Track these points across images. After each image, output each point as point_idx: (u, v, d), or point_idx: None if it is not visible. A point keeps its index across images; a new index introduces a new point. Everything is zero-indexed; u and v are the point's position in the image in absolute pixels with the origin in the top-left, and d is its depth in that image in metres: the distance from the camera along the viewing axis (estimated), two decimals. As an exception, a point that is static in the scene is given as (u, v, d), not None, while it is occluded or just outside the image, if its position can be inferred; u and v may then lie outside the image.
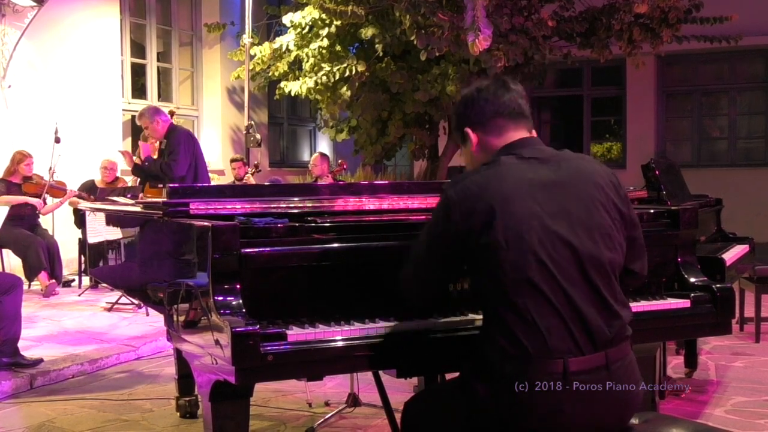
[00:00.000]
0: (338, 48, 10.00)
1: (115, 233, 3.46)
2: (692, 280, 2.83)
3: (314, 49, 9.86)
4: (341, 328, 2.22)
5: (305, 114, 14.20)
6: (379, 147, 10.94)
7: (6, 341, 4.75)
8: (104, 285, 6.05)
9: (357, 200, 2.87)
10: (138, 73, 11.10)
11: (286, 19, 10.08)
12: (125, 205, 3.85)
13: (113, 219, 3.50)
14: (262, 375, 2.13)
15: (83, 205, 4.57)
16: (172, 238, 2.61)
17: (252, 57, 10.23)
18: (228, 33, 11.72)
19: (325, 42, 9.80)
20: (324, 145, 14.04)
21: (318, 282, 2.33)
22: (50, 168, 7.97)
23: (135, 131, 10.55)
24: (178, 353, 3.87)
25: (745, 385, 4.68)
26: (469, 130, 2.20)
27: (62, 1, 9.32)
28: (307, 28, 9.99)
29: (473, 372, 2.05)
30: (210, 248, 2.19)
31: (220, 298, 2.17)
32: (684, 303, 2.72)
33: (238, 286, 2.20)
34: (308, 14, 9.75)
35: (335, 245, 2.39)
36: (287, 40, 10.15)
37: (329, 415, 3.96)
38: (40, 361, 4.96)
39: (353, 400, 3.97)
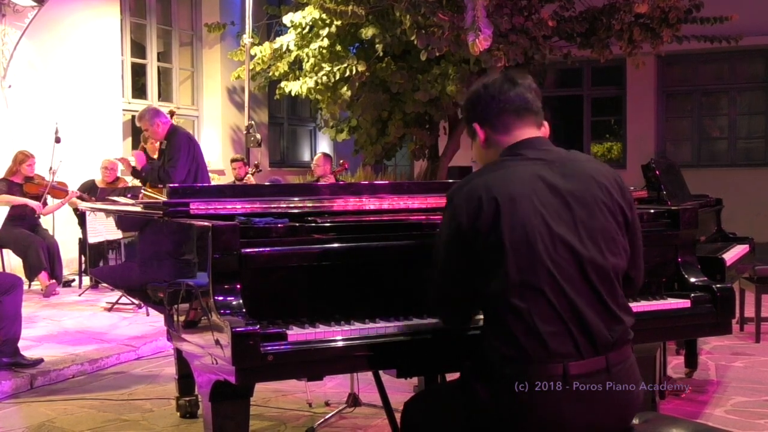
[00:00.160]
0: (338, 48, 10.00)
1: (115, 233, 3.46)
2: (692, 280, 2.83)
3: (314, 49, 9.86)
4: (341, 328, 2.22)
5: (305, 114, 14.20)
6: (379, 147, 10.94)
7: (6, 341, 4.75)
8: (104, 285, 6.06)
9: (357, 200, 2.87)
10: (138, 73, 11.10)
11: (286, 19, 10.08)
12: (125, 205, 3.85)
13: (113, 219, 3.50)
14: (262, 375, 2.13)
15: (83, 205, 4.57)
16: (172, 238, 2.61)
17: (252, 57, 10.23)
18: (228, 33, 11.72)
19: (326, 42, 9.80)
20: (324, 145, 14.04)
21: (318, 282, 2.33)
22: (51, 168, 7.97)
23: (135, 131, 10.55)
24: (178, 353, 3.88)
25: (745, 385, 4.68)
26: (477, 126, 2.19)
27: (62, 1, 9.32)
28: (308, 28, 10.00)
29: (473, 372, 2.05)
30: (210, 248, 2.19)
31: (220, 298, 2.17)
32: (684, 303, 2.72)
33: (238, 286, 2.20)
34: (308, 14, 9.75)
35: (335, 245, 2.39)
36: (287, 40, 10.15)
37: (329, 415, 3.96)
38: (40, 361, 4.96)
39: (353, 400, 3.97)
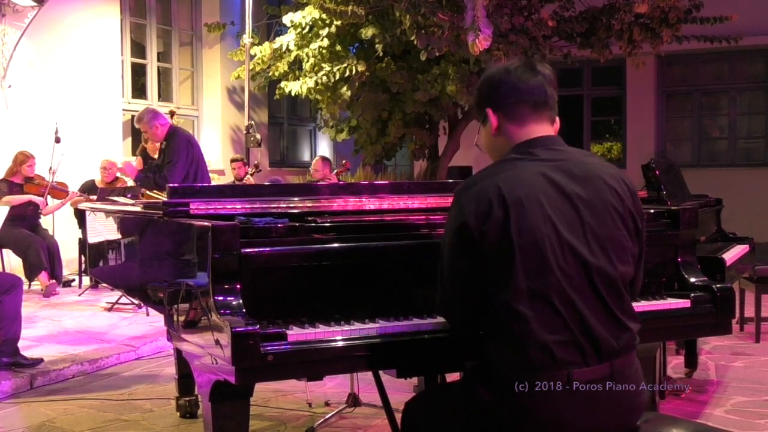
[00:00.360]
0: (338, 48, 10.00)
1: (115, 233, 3.46)
2: (692, 280, 2.82)
3: (314, 49, 9.86)
4: (341, 328, 2.22)
5: (305, 114, 14.20)
6: (379, 147, 10.94)
7: (6, 341, 4.75)
8: (104, 285, 6.05)
9: (357, 200, 2.87)
10: (138, 73, 11.10)
11: (286, 19, 10.09)
12: (125, 205, 3.85)
13: (113, 219, 3.50)
14: (262, 375, 2.13)
15: (83, 205, 4.57)
16: (172, 238, 2.61)
17: (252, 57, 10.23)
18: (228, 33, 11.72)
19: (325, 42, 9.81)
20: (324, 145, 14.05)
21: (318, 282, 2.33)
22: (51, 168, 7.98)
23: (135, 131, 10.54)
24: (178, 353, 3.88)
25: (745, 385, 4.68)
26: (490, 111, 2.12)
27: (62, 1, 9.33)
28: (307, 28, 10.00)
29: (475, 374, 2.04)
30: (210, 248, 2.19)
31: (220, 298, 2.17)
32: (684, 303, 2.71)
33: (238, 286, 2.20)
34: (308, 14, 9.75)
35: (335, 245, 2.39)
36: (287, 40, 10.16)
37: (329, 415, 3.96)
38: (40, 361, 4.97)
39: (353, 400, 3.97)
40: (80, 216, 8.01)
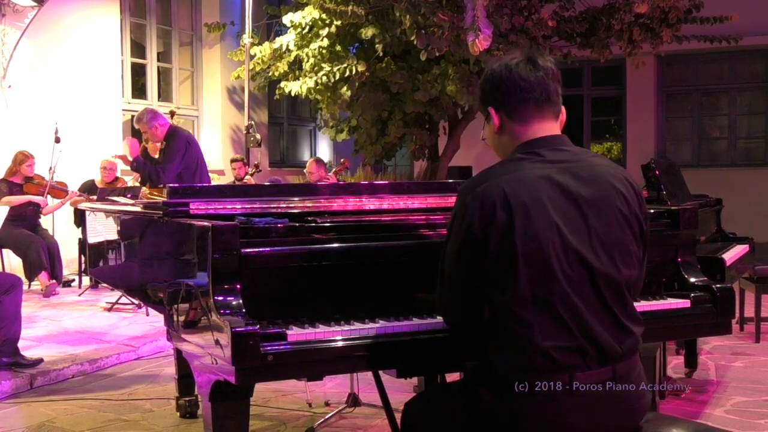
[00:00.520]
0: (338, 48, 10.00)
1: (115, 233, 3.46)
2: (692, 280, 2.82)
3: (314, 49, 9.86)
4: (341, 328, 2.22)
5: (305, 114, 14.20)
6: (379, 147, 10.94)
7: (6, 341, 4.75)
8: (104, 285, 6.06)
9: (357, 200, 2.87)
10: (138, 73, 11.10)
11: (286, 19, 10.09)
12: (125, 205, 3.85)
13: (113, 219, 3.50)
14: (262, 375, 2.12)
15: (83, 205, 4.57)
16: (172, 238, 2.61)
17: (252, 57, 10.24)
18: (228, 33, 11.72)
19: (325, 42, 9.81)
20: (324, 145, 14.05)
21: (318, 282, 2.33)
22: (50, 168, 7.98)
23: (135, 131, 10.54)
24: (178, 353, 3.88)
25: (745, 385, 4.68)
26: (492, 110, 2.09)
27: (62, 1, 9.33)
28: (307, 28, 10.00)
29: (475, 374, 2.03)
30: (210, 248, 2.19)
31: (220, 298, 2.17)
32: (684, 303, 2.71)
33: (238, 286, 2.20)
34: (308, 14, 9.75)
35: (335, 245, 2.38)
36: (287, 40, 10.16)
37: (329, 415, 3.96)
38: (40, 361, 4.97)
39: (353, 400, 3.97)
40: (80, 216, 8.03)
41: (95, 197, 7.90)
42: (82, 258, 8.18)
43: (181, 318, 2.44)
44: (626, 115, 12.94)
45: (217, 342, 2.12)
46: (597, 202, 1.96)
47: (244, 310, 2.16)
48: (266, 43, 10.41)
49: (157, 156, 6.80)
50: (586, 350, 1.89)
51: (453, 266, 2.02)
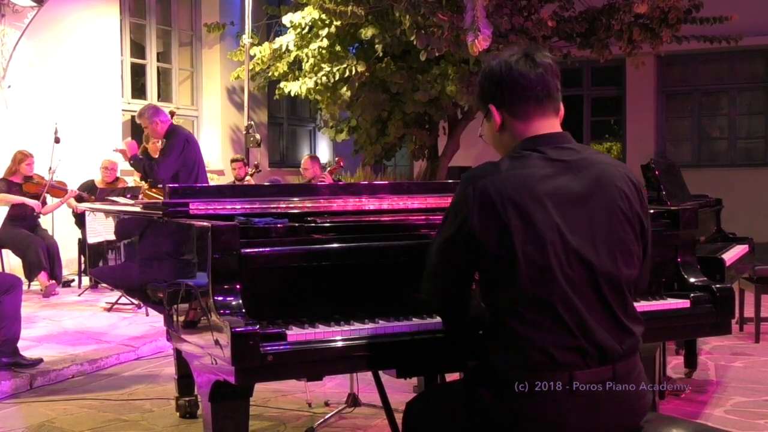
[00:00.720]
0: (338, 48, 10.00)
1: (115, 233, 3.46)
2: (692, 280, 2.82)
3: (314, 50, 9.86)
4: (341, 328, 2.22)
5: (305, 114, 14.20)
6: (379, 147, 10.94)
7: (6, 341, 4.75)
8: (104, 285, 6.06)
9: (357, 200, 2.87)
10: (138, 73, 11.10)
11: (286, 19, 10.09)
12: (125, 205, 3.85)
13: (113, 219, 3.50)
14: (262, 375, 2.13)
15: (83, 205, 4.57)
16: (172, 239, 2.61)
17: (252, 57, 10.23)
18: (228, 33, 11.72)
19: (325, 42, 9.81)
20: (324, 146, 14.05)
21: (318, 282, 2.33)
22: (50, 168, 7.98)
23: (135, 131, 10.55)
24: (178, 353, 3.87)
25: (745, 385, 4.68)
26: (493, 108, 2.07)
27: (62, 1, 9.33)
28: (307, 28, 10.00)
29: (476, 374, 2.03)
30: (210, 248, 2.19)
31: (220, 298, 2.17)
32: (684, 303, 2.71)
33: (237, 286, 2.20)
34: (308, 14, 9.75)
35: (335, 245, 2.38)
36: (287, 40, 10.16)
37: (329, 415, 3.96)
38: (40, 361, 4.96)
39: (353, 400, 3.97)
40: (79, 217, 8.03)
41: (94, 197, 7.92)
42: (82, 258, 8.18)
43: (181, 318, 2.44)
44: (626, 115, 12.95)
45: (216, 342, 2.12)
46: (598, 201, 1.96)
47: (243, 311, 2.16)
48: (266, 44, 10.41)
49: (157, 156, 6.80)
50: (586, 350, 1.89)
51: (443, 252, 2.02)
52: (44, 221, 8.39)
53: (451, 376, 2.79)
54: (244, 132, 9.61)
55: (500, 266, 1.91)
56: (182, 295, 2.40)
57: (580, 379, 1.89)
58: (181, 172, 6.42)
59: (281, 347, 2.11)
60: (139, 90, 11.12)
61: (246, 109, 10.08)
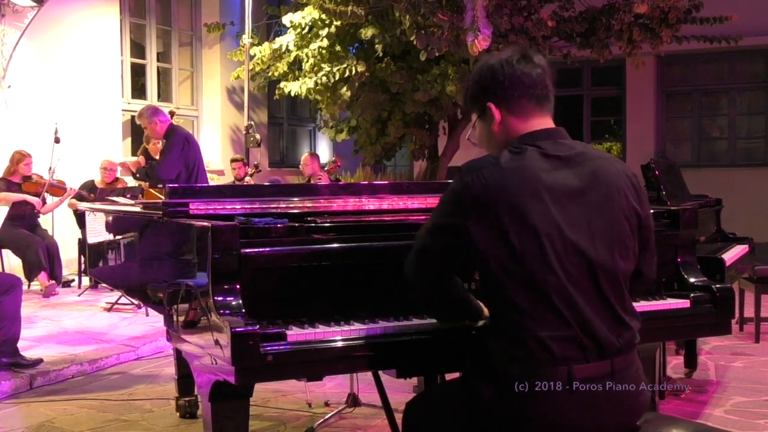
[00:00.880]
0: (338, 48, 10.00)
1: (114, 233, 3.46)
2: (692, 280, 2.82)
3: (314, 50, 9.86)
4: (341, 328, 2.22)
5: (305, 114, 14.20)
6: (379, 147, 10.94)
7: (6, 341, 4.75)
8: (104, 285, 6.06)
9: (357, 200, 2.87)
10: (138, 73, 11.10)
11: (286, 19, 10.09)
12: (125, 205, 3.85)
13: (113, 219, 3.50)
14: (262, 375, 2.12)
15: (83, 205, 4.57)
16: (172, 239, 2.61)
17: (252, 57, 10.23)
18: (228, 33, 11.72)
19: (325, 42, 9.81)
20: (324, 145, 14.05)
21: (318, 282, 2.33)
22: (50, 168, 7.99)
23: (135, 131, 10.56)
24: (178, 353, 3.87)
25: (745, 385, 4.68)
26: (492, 106, 2.06)
27: (62, 1, 9.33)
28: (307, 28, 10.00)
29: (476, 371, 2.04)
30: (210, 248, 2.19)
31: (220, 298, 2.17)
32: (684, 303, 2.71)
33: (237, 286, 2.20)
34: (308, 14, 9.75)
35: (335, 245, 2.38)
36: (287, 40, 10.16)
37: (329, 415, 3.96)
38: (40, 361, 4.96)
39: (353, 400, 3.97)
40: (80, 217, 8.03)
41: (94, 196, 7.93)
42: (82, 258, 8.18)
43: (181, 318, 2.44)
44: (626, 115, 12.94)
45: (216, 342, 2.12)
46: (595, 196, 1.97)
47: (243, 311, 2.16)
48: (266, 44, 10.41)
49: (157, 157, 6.81)
50: (584, 343, 1.90)
51: (433, 236, 2.03)
52: (44, 221, 8.39)
53: (452, 377, 2.79)
54: (244, 132, 9.61)
55: (498, 259, 1.92)
56: (182, 295, 2.40)
57: (578, 373, 1.89)
58: (182, 172, 6.43)
59: (281, 347, 2.11)
60: (139, 90, 11.12)
61: (246, 109, 10.08)
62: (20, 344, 4.93)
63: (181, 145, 6.45)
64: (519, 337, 1.91)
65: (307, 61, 9.95)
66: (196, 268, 2.31)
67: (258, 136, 9.61)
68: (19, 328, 4.87)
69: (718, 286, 2.76)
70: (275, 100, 12.05)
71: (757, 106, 12.54)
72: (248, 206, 2.67)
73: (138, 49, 11.12)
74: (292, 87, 10.05)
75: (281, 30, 11.15)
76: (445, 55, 9.24)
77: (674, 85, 12.89)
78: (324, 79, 9.75)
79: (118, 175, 8.77)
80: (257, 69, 10.58)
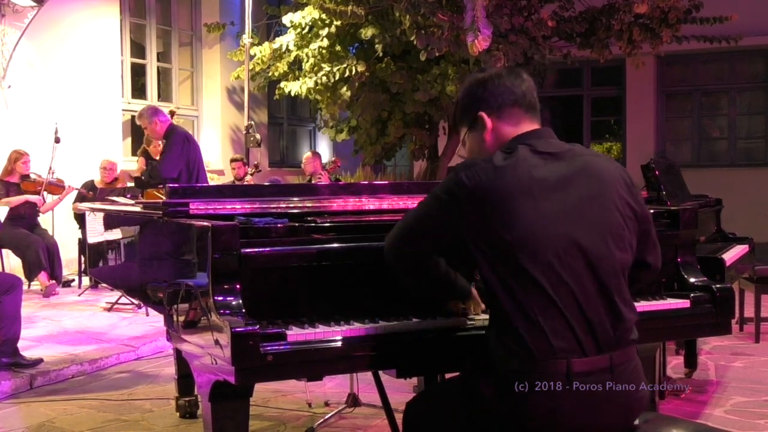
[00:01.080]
0: (338, 48, 10.00)
1: (115, 233, 3.46)
2: (692, 280, 2.82)
3: (314, 49, 9.86)
4: (341, 328, 2.22)
5: (305, 114, 14.20)
6: (379, 147, 10.94)
7: (6, 341, 4.75)
8: (104, 285, 6.06)
9: (357, 200, 2.87)
10: (138, 73, 11.10)
11: (286, 19, 10.09)
12: (125, 205, 3.85)
13: (113, 219, 3.50)
14: (262, 375, 2.13)
15: (83, 205, 4.58)
16: (172, 238, 2.61)
17: (252, 57, 10.23)
18: (228, 33, 11.72)
19: (325, 42, 9.81)
20: (324, 145, 14.05)
21: (318, 282, 2.33)
22: (50, 168, 7.99)
23: (135, 131, 10.56)
24: (178, 353, 3.87)
25: (745, 385, 4.68)
26: (484, 115, 2.13)
27: (62, 1, 9.33)
28: (307, 28, 10.00)
29: (476, 368, 2.05)
30: (210, 248, 2.19)
31: (220, 298, 2.17)
32: (684, 303, 2.71)
33: (237, 286, 2.20)
34: (308, 14, 9.75)
35: (335, 245, 2.39)
36: (287, 40, 10.16)
37: (329, 415, 3.96)
38: (40, 361, 4.96)
39: (353, 400, 3.97)
40: (80, 218, 8.03)
41: (93, 194, 7.93)
42: (82, 258, 8.18)
43: (181, 318, 2.44)
44: (626, 115, 12.94)
45: (216, 342, 2.12)
46: (587, 190, 2.01)
47: (243, 310, 2.16)
48: (266, 44, 10.41)
49: (157, 158, 6.81)
50: (581, 333, 1.92)
51: (416, 225, 2.12)
52: (44, 221, 8.39)
53: (451, 376, 2.79)
54: (244, 132, 9.61)
55: (493, 251, 1.95)
56: (182, 295, 2.40)
57: (577, 367, 1.90)
58: (183, 171, 6.43)
59: (281, 347, 2.11)
60: (139, 90, 11.12)
61: (246, 109, 10.08)
62: (20, 344, 4.93)
63: (181, 143, 6.46)
64: (517, 331, 1.92)
65: (307, 61, 9.95)
66: (196, 268, 2.31)
67: (258, 136, 9.61)
68: (19, 328, 4.87)
69: (718, 286, 2.76)
70: (275, 100, 12.05)
71: (757, 106, 12.54)
72: (248, 206, 2.67)
73: (138, 49, 11.12)
74: (292, 87, 10.05)
75: (281, 30, 11.15)
76: (445, 55, 9.24)
77: (674, 85, 12.89)
78: (324, 79, 9.75)
79: (121, 164, 8.76)
80: (257, 69, 10.57)
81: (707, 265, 3.14)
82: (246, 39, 10.05)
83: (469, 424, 2.03)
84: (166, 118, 6.61)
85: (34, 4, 8.65)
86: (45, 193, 8.11)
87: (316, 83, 9.79)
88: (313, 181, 8.56)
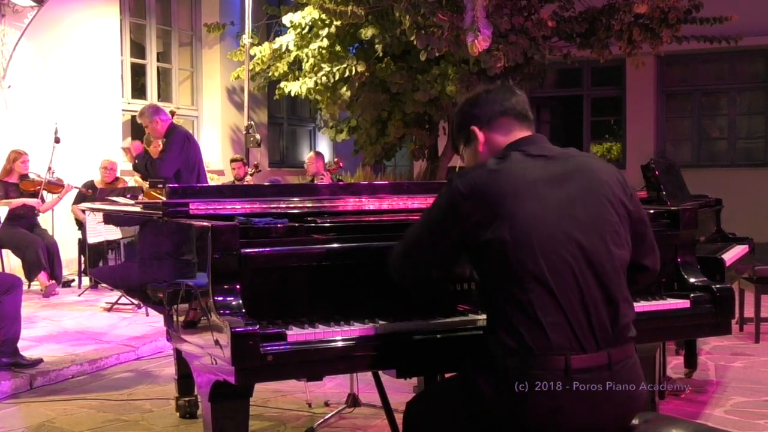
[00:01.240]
0: (338, 48, 10.00)
1: (115, 233, 3.46)
2: (692, 280, 2.83)
3: (314, 50, 9.86)
4: (341, 328, 2.22)
5: (305, 114, 14.20)
6: (378, 147, 10.94)
7: (6, 341, 4.75)
8: (104, 285, 6.06)
9: (357, 200, 2.87)
10: (138, 73, 11.10)
11: (286, 19, 10.08)
12: (125, 205, 3.85)
13: (113, 219, 3.50)
14: (262, 375, 2.13)
15: (83, 205, 4.58)
16: (172, 239, 2.61)
17: (252, 57, 10.23)
18: (228, 33, 11.72)
19: (325, 42, 9.80)
20: (324, 145, 14.05)
21: (318, 282, 2.33)
22: (49, 168, 7.99)
23: (135, 131, 10.56)
24: (178, 353, 3.87)
25: (745, 385, 4.68)
26: (475, 129, 2.20)
27: (62, 1, 9.33)
28: (307, 28, 9.99)
29: (475, 366, 2.05)
30: (210, 248, 2.19)
31: (220, 298, 2.17)
32: (684, 303, 2.72)
33: (237, 286, 2.20)
34: (308, 14, 9.75)
35: (335, 245, 2.39)
36: (287, 40, 10.15)
37: (329, 415, 3.96)
38: (39, 361, 4.96)
39: (353, 401, 3.97)
40: (80, 222, 8.04)
41: (92, 191, 7.93)
42: (82, 258, 8.18)
43: (181, 318, 2.44)
44: (626, 115, 12.94)
45: (216, 342, 2.13)
46: (581, 189, 2.04)
47: (243, 311, 2.16)
48: (266, 44, 10.41)
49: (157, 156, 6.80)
50: (578, 328, 1.94)
51: (422, 237, 2.13)
52: (44, 221, 8.39)
53: (451, 376, 2.79)
54: (244, 132, 9.61)
55: (491, 251, 1.98)
56: (182, 295, 2.40)
57: (576, 364, 1.92)
58: (182, 172, 6.43)
59: (281, 347, 2.11)
60: (139, 90, 11.12)
61: (246, 109, 10.08)
62: (20, 344, 4.93)
63: (181, 143, 6.47)
64: (516, 329, 1.94)
65: (307, 61, 9.94)
66: (196, 268, 2.31)
67: (258, 136, 9.61)
68: (19, 328, 4.87)
69: (718, 286, 2.77)
70: (275, 100, 12.05)
71: (757, 106, 12.53)
72: (248, 206, 2.67)
73: (138, 49, 11.12)
74: (292, 87, 10.05)
75: (281, 30, 11.15)
76: (445, 55, 9.23)
77: (674, 85, 12.89)
78: (324, 79, 9.75)
79: (118, 174, 8.76)
80: (257, 69, 10.57)
81: (707, 265, 3.14)
82: (246, 39, 10.05)
83: (469, 424, 2.04)
84: (167, 117, 6.61)
85: (34, 4, 8.65)
86: (44, 192, 8.11)
87: (316, 83, 9.79)
88: (315, 182, 8.57)
